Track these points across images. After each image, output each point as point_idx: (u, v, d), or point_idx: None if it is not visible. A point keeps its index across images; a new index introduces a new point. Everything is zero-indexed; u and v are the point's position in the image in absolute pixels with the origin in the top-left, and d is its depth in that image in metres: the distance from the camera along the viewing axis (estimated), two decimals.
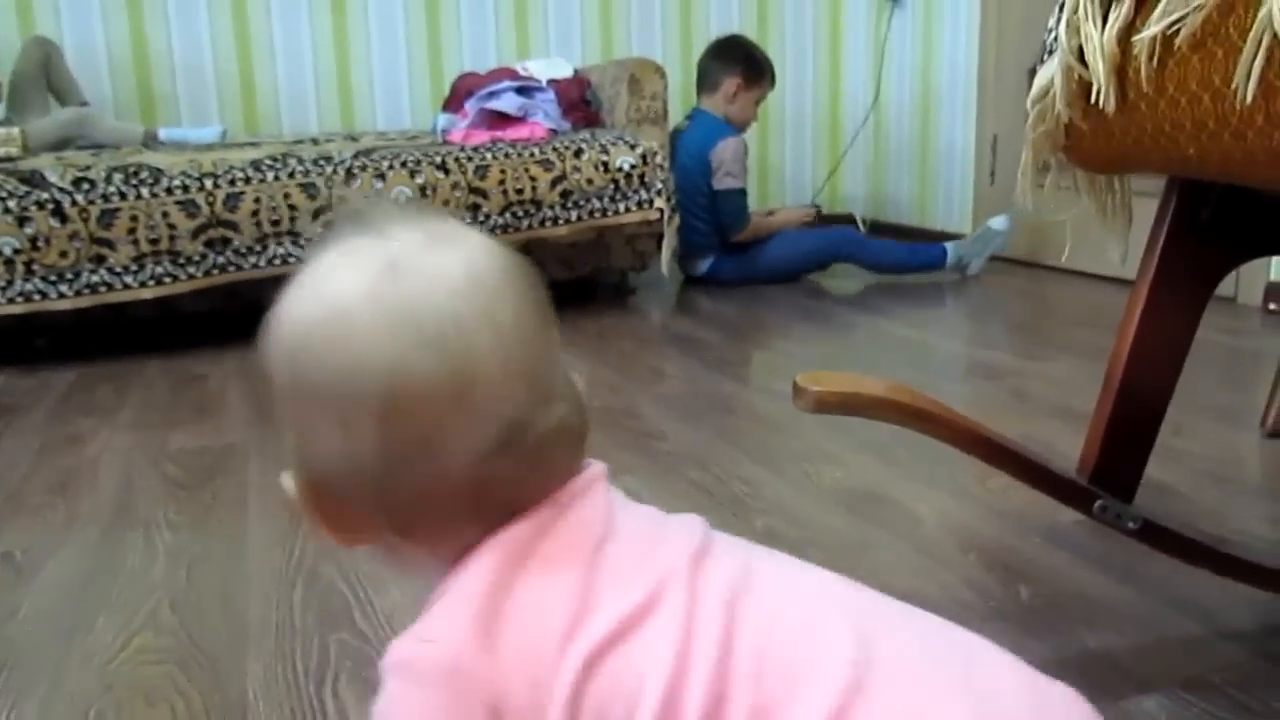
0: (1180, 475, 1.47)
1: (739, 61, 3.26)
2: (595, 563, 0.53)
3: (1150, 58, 0.72)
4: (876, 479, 1.49)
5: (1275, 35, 0.62)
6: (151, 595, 1.18)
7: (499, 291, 0.54)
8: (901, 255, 3.29)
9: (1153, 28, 0.71)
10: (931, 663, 0.51)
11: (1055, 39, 0.83)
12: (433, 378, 0.50)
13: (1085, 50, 0.78)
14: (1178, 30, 0.70)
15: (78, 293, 2.34)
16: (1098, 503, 0.94)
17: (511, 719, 0.49)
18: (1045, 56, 0.85)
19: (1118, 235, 0.94)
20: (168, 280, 2.39)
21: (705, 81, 3.29)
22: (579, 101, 3.14)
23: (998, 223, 3.22)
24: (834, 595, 0.55)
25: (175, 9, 3.44)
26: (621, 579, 0.52)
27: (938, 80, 3.81)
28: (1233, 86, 0.65)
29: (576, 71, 3.27)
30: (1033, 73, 3.03)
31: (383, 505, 0.54)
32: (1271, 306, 2.55)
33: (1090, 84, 0.79)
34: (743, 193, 3.19)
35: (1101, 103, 0.77)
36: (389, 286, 0.52)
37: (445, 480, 0.52)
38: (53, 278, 2.32)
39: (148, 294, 2.39)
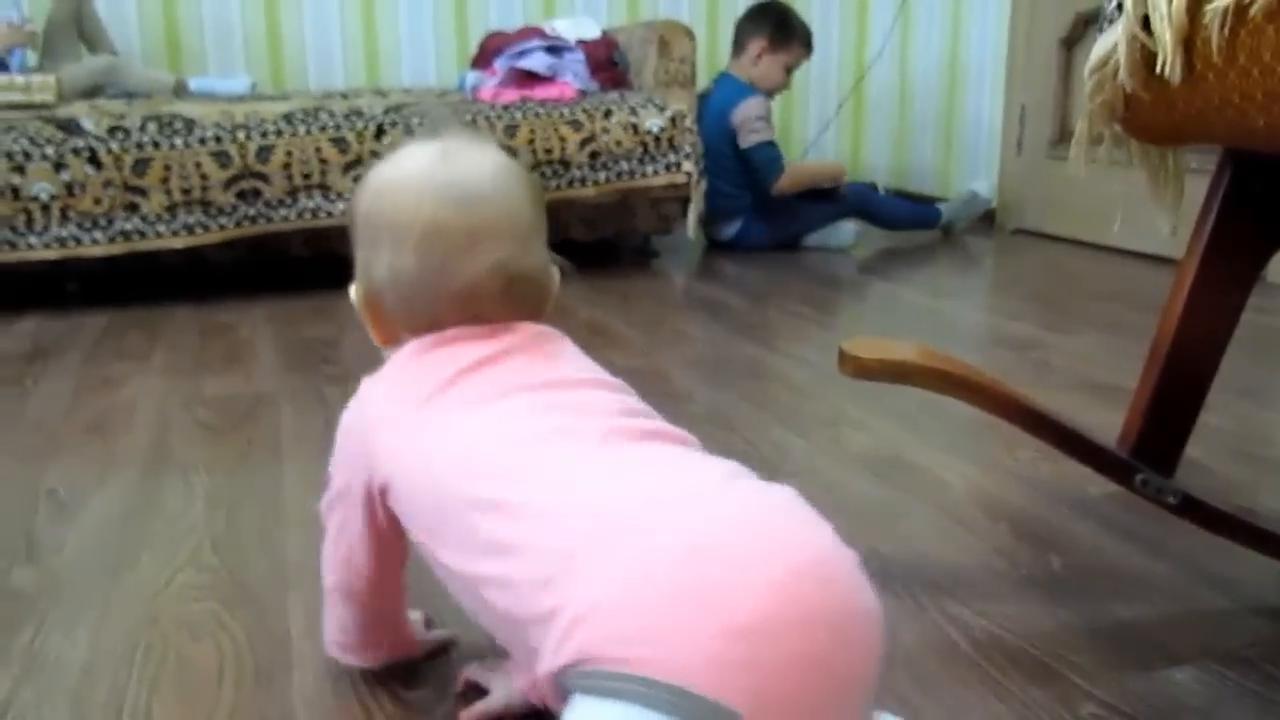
0: (1209, 451, 1.47)
1: (767, 23, 3.25)
2: (464, 373, 0.74)
3: (1222, 28, 0.72)
4: (904, 445, 1.50)
5: None
6: (192, 535, 1.20)
7: (509, 181, 0.79)
8: (904, 213, 3.42)
9: None
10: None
11: (1118, 7, 0.83)
12: (456, 225, 0.75)
13: (1151, 19, 0.77)
14: (1252, 1, 0.69)
15: (110, 240, 2.36)
16: (1139, 476, 0.94)
17: (375, 464, 0.75)
18: (1105, 25, 0.85)
19: (1169, 208, 0.94)
20: (199, 230, 2.41)
21: (736, 44, 3.29)
22: (606, 62, 3.13)
23: (982, 187, 3.42)
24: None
25: None
26: (468, 391, 0.73)
27: (966, 49, 3.78)
28: None
29: (604, 32, 3.25)
30: (1064, 44, 3.00)
31: (404, 306, 0.78)
32: None
33: (1154, 54, 0.79)
34: (772, 144, 3.18)
35: (1167, 73, 0.77)
36: (439, 166, 0.77)
37: (445, 292, 0.76)
38: (86, 224, 2.34)
39: (179, 243, 2.40)
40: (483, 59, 3.19)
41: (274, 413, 1.66)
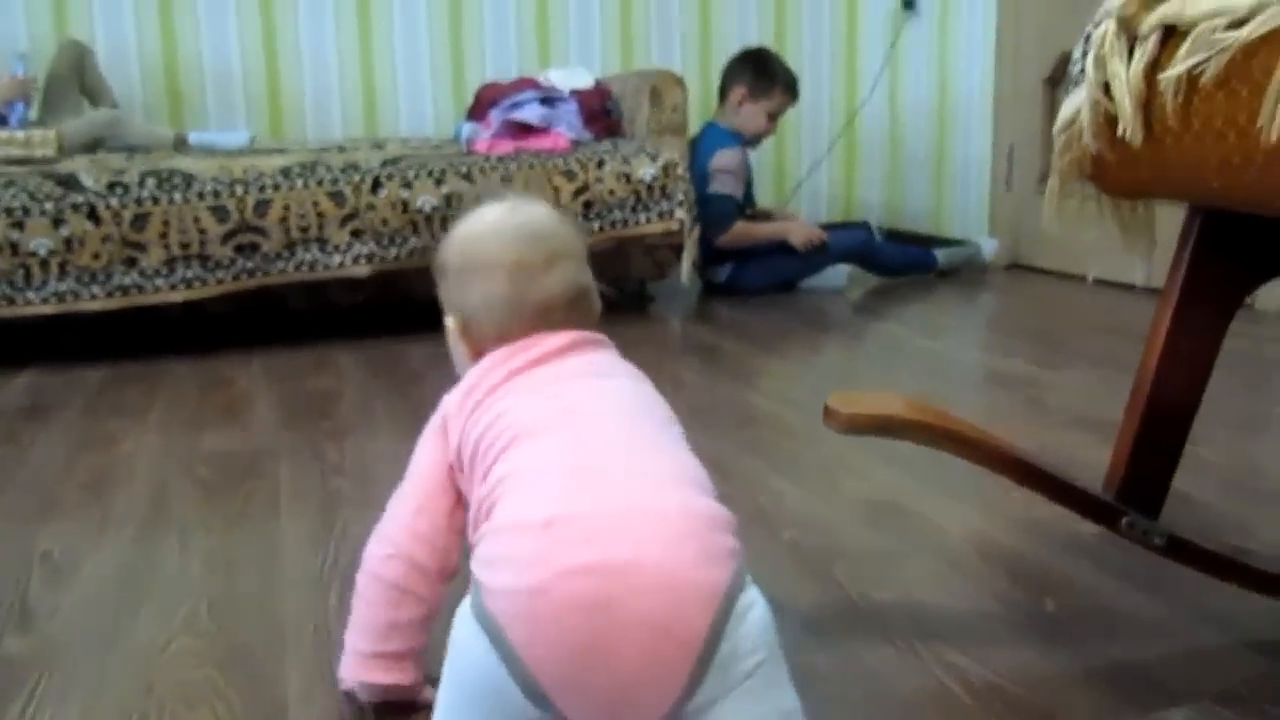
0: (1203, 486, 1.48)
1: (747, 71, 3.30)
2: (524, 371, 0.91)
3: (1176, 95, 0.74)
4: (900, 490, 1.51)
5: None
6: (189, 597, 1.20)
7: (563, 221, 1.01)
8: (902, 259, 3.42)
9: (1178, 67, 0.73)
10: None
11: (1081, 71, 0.85)
12: (536, 255, 0.95)
13: (1111, 85, 0.80)
14: (1203, 69, 0.72)
15: (109, 294, 2.38)
16: (1125, 519, 0.95)
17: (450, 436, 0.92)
18: (1071, 87, 0.87)
19: (1142, 256, 0.96)
20: (197, 283, 2.43)
21: (720, 92, 3.34)
22: (600, 112, 3.17)
23: (988, 247, 3.46)
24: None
25: (206, 14, 3.48)
26: (522, 387, 0.89)
27: (954, 90, 3.82)
28: (1258, 125, 0.67)
29: (597, 82, 3.29)
30: (1049, 83, 3.05)
31: (495, 323, 0.96)
32: None
33: (1116, 117, 0.81)
34: (729, 199, 3.22)
35: (1128, 136, 0.79)
36: (511, 216, 0.99)
37: (530, 306, 0.95)
38: (85, 279, 2.36)
39: (177, 296, 2.42)
40: (478, 110, 3.23)
41: (272, 469, 1.66)
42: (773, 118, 3.33)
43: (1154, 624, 1.08)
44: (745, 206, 3.35)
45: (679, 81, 3.04)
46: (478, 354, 0.97)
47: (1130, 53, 0.79)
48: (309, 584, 1.23)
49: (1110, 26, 0.80)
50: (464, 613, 0.73)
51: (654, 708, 0.69)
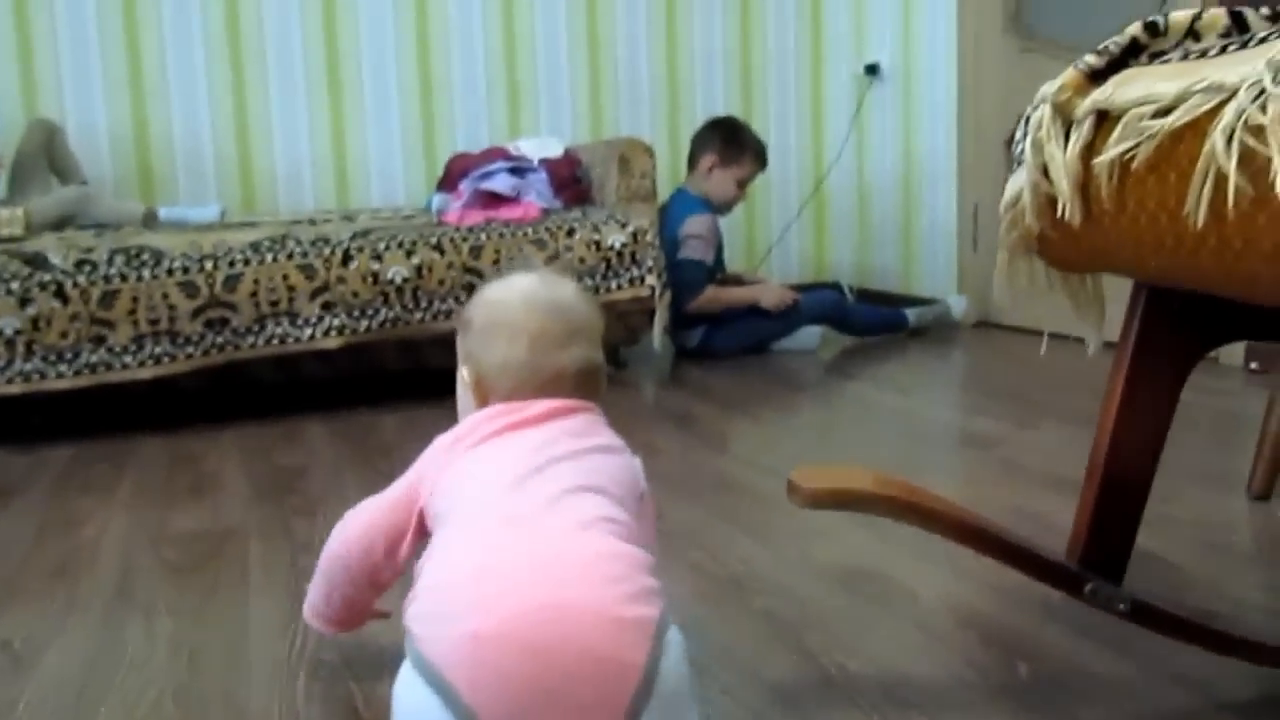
0: (1171, 543, 1.49)
1: (717, 139, 3.35)
2: (511, 429, 0.99)
3: (1110, 178, 0.77)
4: (873, 555, 1.51)
5: (1220, 167, 0.66)
6: (153, 686, 1.18)
7: (587, 302, 1.10)
8: (873, 319, 3.45)
9: (1111, 152, 0.75)
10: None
11: (1022, 152, 0.88)
12: (556, 327, 1.03)
13: (1049, 168, 0.82)
14: (1134, 155, 0.74)
15: (76, 372, 2.36)
16: (1088, 586, 0.96)
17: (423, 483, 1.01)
18: (1014, 167, 0.90)
19: (1092, 327, 0.98)
20: (166, 360, 2.42)
21: (690, 159, 3.39)
22: (570, 180, 3.20)
23: (957, 309, 3.48)
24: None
25: (176, 90, 3.51)
26: (497, 450, 0.97)
27: (918, 152, 3.89)
28: (1186, 211, 0.70)
29: (567, 150, 3.33)
30: (1010, 143, 3.11)
31: (509, 383, 1.03)
32: (1253, 366, 2.59)
33: (1056, 197, 0.83)
34: (699, 264, 3.25)
35: (1067, 217, 0.81)
36: (541, 288, 1.07)
37: (543, 375, 1.02)
38: (52, 358, 2.35)
39: (146, 374, 2.41)
40: (448, 181, 3.26)
41: (241, 549, 1.65)
42: (742, 185, 3.38)
43: (1125, 687, 1.09)
44: (716, 272, 3.38)
45: (647, 149, 3.08)
46: (483, 406, 1.06)
47: (1067, 136, 0.82)
48: (276, 670, 1.21)
49: (1046, 111, 0.83)
50: (405, 670, 0.79)
51: None
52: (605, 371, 1.10)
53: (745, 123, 3.49)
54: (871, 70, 4.06)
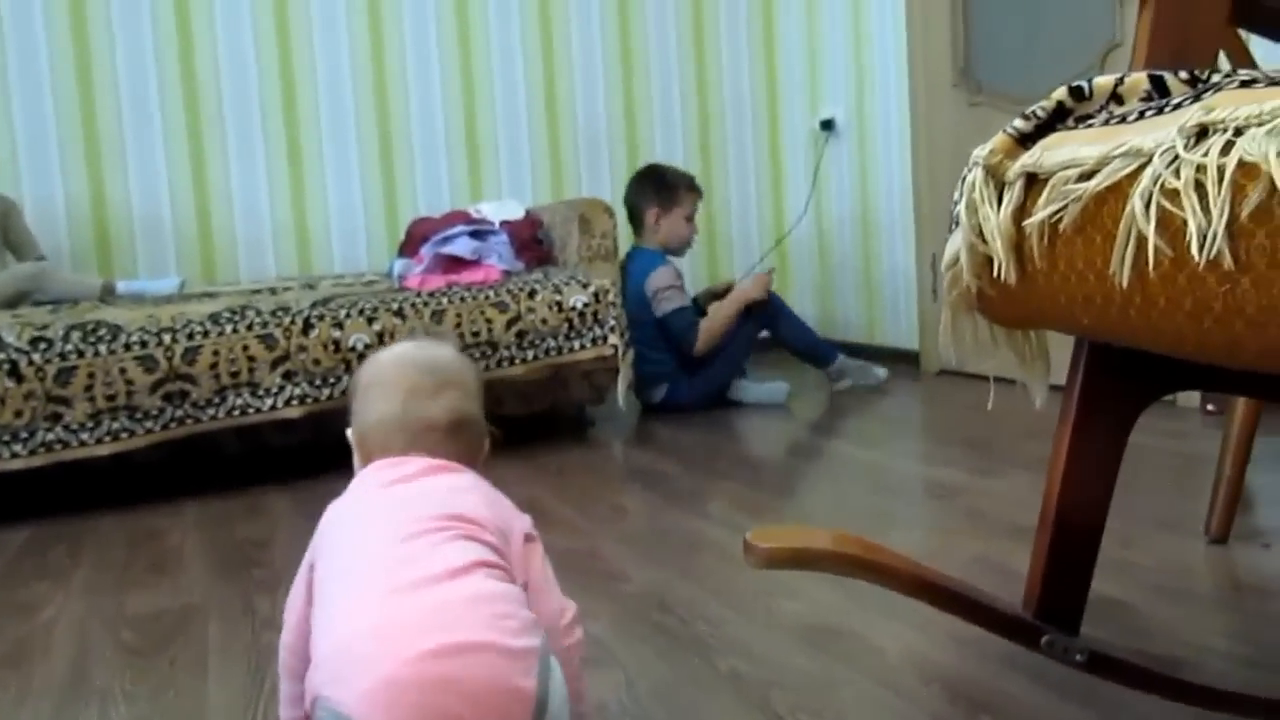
0: (1131, 588, 1.50)
1: (649, 190, 3.39)
2: (383, 487, 1.03)
3: (1041, 239, 0.79)
4: (837, 612, 1.51)
5: (1140, 229, 0.69)
6: None
7: (460, 360, 1.16)
8: (805, 338, 3.45)
9: (1040, 214, 0.78)
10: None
11: (959, 213, 0.90)
12: (427, 381, 1.10)
13: (984, 229, 0.84)
14: (1061, 216, 0.76)
15: (32, 452, 2.33)
16: (1044, 638, 0.96)
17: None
18: (953, 227, 0.91)
19: (1037, 381, 0.99)
20: (124, 435, 2.39)
21: (632, 221, 3.42)
22: (531, 241, 3.22)
23: (880, 373, 3.45)
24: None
25: (134, 163, 3.52)
26: (364, 508, 1.02)
27: (876, 203, 3.95)
28: (1111, 271, 0.72)
29: (528, 212, 3.36)
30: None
31: (381, 436, 1.09)
32: (1209, 408, 2.62)
33: (992, 257, 0.85)
34: (683, 310, 3.27)
35: (1003, 277, 0.83)
36: (416, 351, 1.15)
37: (413, 428, 1.08)
38: (6, 437, 2.32)
39: (104, 450, 2.38)
40: (410, 246, 3.27)
41: (200, 628, 1.62)
42: (689, 220, 3.41)
43: None
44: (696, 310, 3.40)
45: (607, 209, 3.11)
46: (366, 462, 1.11)
47: (999, 198, 0.84)
48: None
49: (978, 174, 0.85)
50: None
51: None
52: (484, 429, 1.14)
53: (664, 164, 3.56)
54: (827, 125, 4.13)
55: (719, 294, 3.52)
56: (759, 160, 4.42)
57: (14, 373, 2.33)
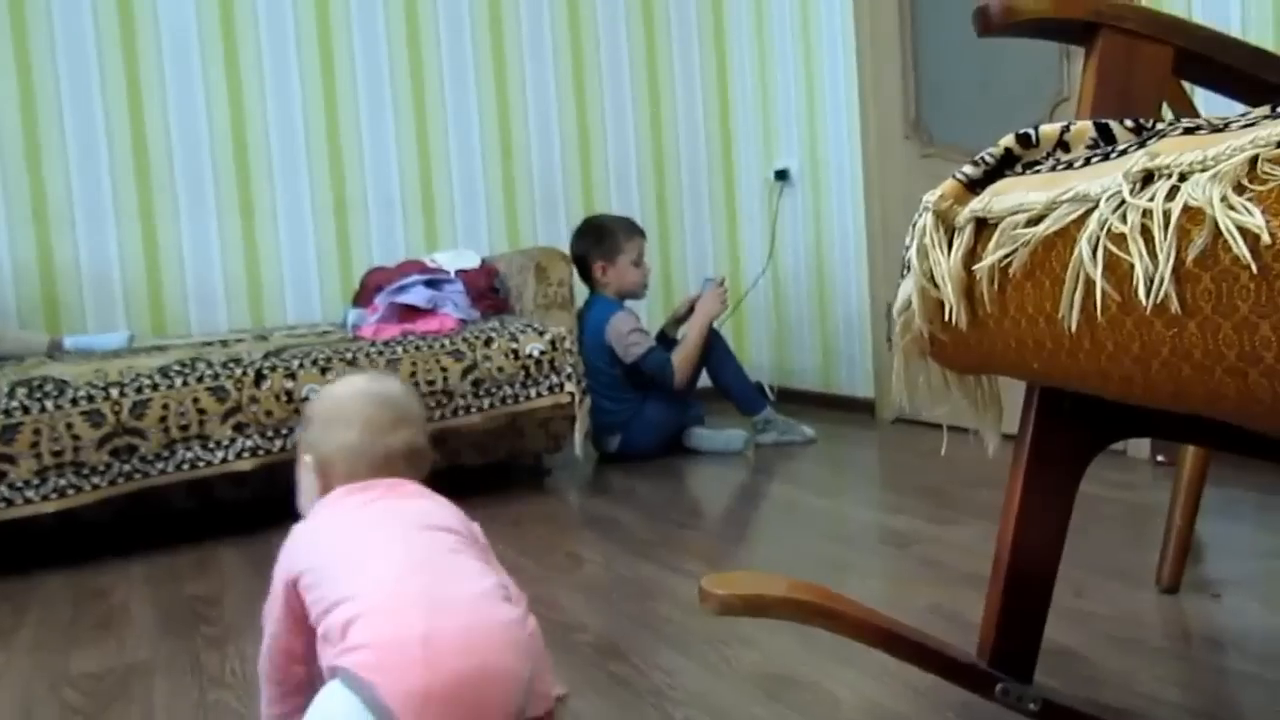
0: (1083, 638, 1.51)
1: (589, 244, 3.41)
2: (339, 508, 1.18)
3: (991, 283, 0.80)
4: (793, 660, 1.50)
5: (1088, 274, 0.70)
6: None
7: (409, 393, 1.31)
8: (739, 385, 3.45)
9: (989, 258, 0.79)
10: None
11: (910, 258, 0.91)
12: (384, 415, 1.24)
13: (935, 273, 0.85)
14: (1010, 261, 0.77)
15: None
16: (999, 686, 0.96)
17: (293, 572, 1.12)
18: (905, 272, 0.92)
19: (989, 428, 1.00)
20: (71, 492, 2.34)
21: (583, 277, 3.42)
22: (487, 290, 3.22)
23: (807, 432, 3.40)
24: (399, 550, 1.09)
25: (83, 220, 3.48)
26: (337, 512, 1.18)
27: (830, 253, 4.00)
28: (1060, 315, 0.72)
29: (484, 261, 3.36)
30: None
31: (346, 464, 1.22)
32: (1160, 459, 2.66)
33: (943, 301, 0.86)
34: (653, 351, 3.27)
35: (954, 321, 0.84)
36: (370, 385, 1.27)
37: (374, 457, 1.22)
38: None
39: (50, 507, 2.33)
40: (364, 296, 3.25)
41: (146, 688, 1.58)
42: (636, 264, 3.41)
43: None
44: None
45: (564, 257, 3.12)
46: (325, 489, 1.22)
47: (950, 243, 0.85)
48: None
49: (928, 219, 0.86)
50: (342, 703, 0.95)
51: None
52: (430, 454, 1.30)
53: (602, 215, 3.60)
54: (781, 175, 4.18)
55: (681, 318, 3.54)
56: (715, 209, 4.47)
57: None
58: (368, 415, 1.24)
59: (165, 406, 2.43)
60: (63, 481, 2.34)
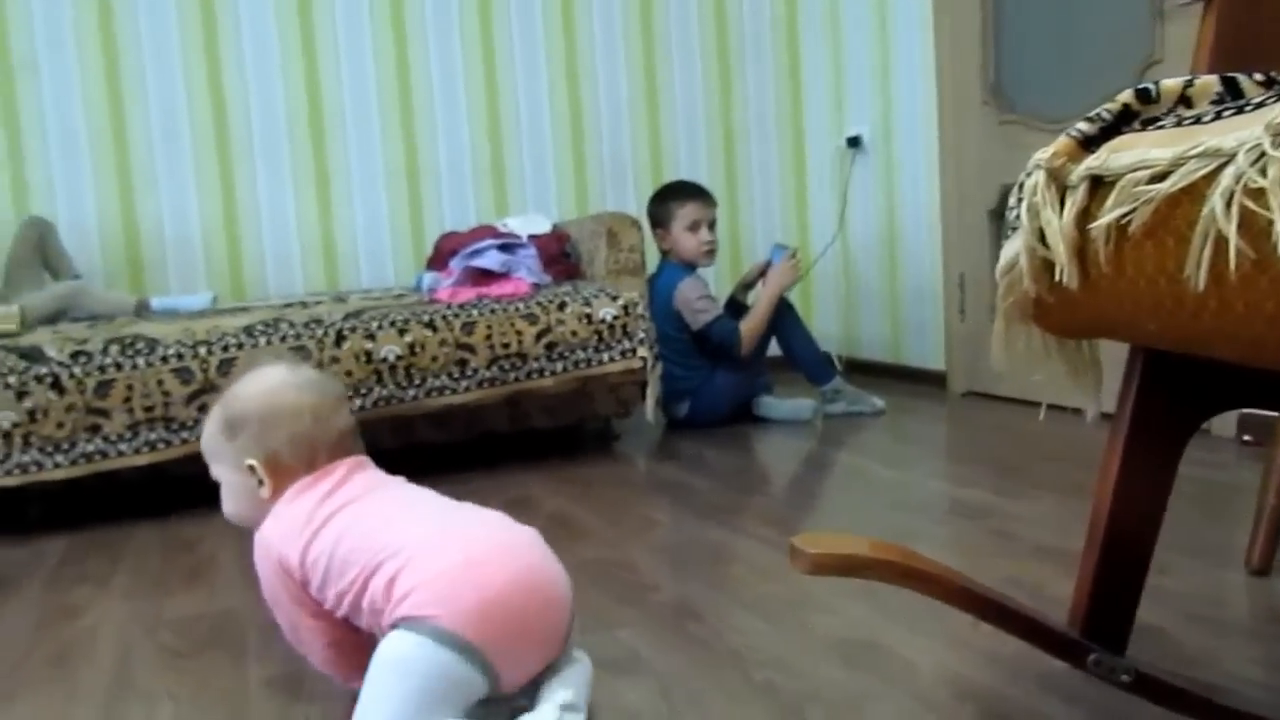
0: (1168, 616, 1.49)
1: (651, 210, 3.43)
2: (327, 494, 1.23)
3: (1107, 243, 0.78)
4: (871, 627, 1.51)
5: (1219, 230, 0.68)
6: None
7: (331, 378, 1.43)
8: (808, 354, 3.42)
9: (1106, 217, 0.77)
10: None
11: (1017, 218, 0.89)
12: (325, 401, 1.29)
13: (1045, 233, 0.84)
14: (1130, 220, 0.76)
15: (73, 462, 2.36)
16: (1091, 656, 0.96)
17: (292, 572, 1.20)
18: (1009, 232, 0.91)
19: (1089, 394, 0.99)
20: (161, 446, 2.42)
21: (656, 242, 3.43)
22: (559, 255, 3.25)
23: (877, 403, 3.37)
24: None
25: (165, 183, 3.56)
26: (329, 506, 1.22)
27: (902, 222, 3.95)
28: (1185, 274, 0.71)
29: (555, 226, 3.38)
30: (993, 214, 3.11)
31: (303, 454, 1.25)
32: (1246, 438, 2.60)
33: (1053, 262, 0.85)
34: (720, 319, 3.27)
35: (1065, 281, 0.83)
36: (292, 375, 1.32)
37: (327, 439, 1.27)
38: (49, 448, 2.35)
39: (141, 460, 2.41)
40: (438, 260, 3.29)
41: (238, 630, 1.64)
42: (696, 228, 3.37)
43: None
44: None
45: (634, 223, 3.13)
46: (279, 486, 1.25)
47: (1061, 202, 0.84)
48: None
49: (1040, 177, 0.85)
50: (408, 639, 1.05)
51: (553, 655, 1.15)
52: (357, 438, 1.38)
53: (672, 181, 3.59)
54: (853, 143, 4.14)
55: (750, 283, 3.53)
56: (784, 177, 4.44)
57: (56, 385, 2.36)
58: (311, 403, 1.27)
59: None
60: (153, 436, 2.42)
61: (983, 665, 1.36)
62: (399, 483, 1.30)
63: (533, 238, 3.26)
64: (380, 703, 1.04)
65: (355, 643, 1.23)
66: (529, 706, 1.12)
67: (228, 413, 1.30)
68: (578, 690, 1.14)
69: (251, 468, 1.26)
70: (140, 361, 2.43)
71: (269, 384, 1.29)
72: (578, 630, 1.22)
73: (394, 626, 1.06)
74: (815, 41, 4.35)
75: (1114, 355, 1.03)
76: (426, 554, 1.09)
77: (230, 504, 1.32)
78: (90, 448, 2.38)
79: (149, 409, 2.42)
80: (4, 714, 1.38)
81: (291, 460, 1.25)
